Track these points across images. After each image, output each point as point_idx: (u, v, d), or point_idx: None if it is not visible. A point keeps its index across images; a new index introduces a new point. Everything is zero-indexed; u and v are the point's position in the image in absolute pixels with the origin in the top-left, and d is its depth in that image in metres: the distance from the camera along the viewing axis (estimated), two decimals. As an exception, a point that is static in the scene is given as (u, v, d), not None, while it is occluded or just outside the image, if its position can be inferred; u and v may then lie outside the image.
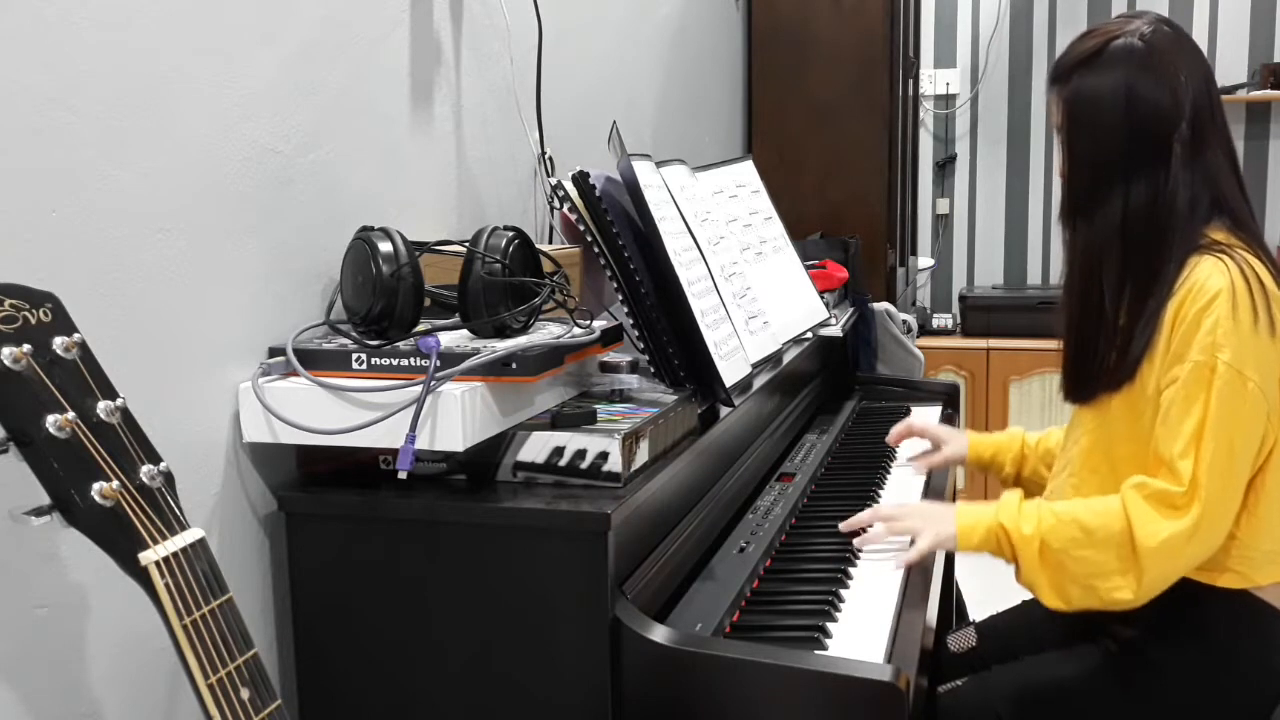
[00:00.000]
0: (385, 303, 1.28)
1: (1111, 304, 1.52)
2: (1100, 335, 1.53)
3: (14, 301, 0.84)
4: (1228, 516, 1.43)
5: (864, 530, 1.57)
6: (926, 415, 2.38)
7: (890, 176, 3.41)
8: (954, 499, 2.40)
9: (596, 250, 1.46)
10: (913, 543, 1.52)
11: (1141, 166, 1.49)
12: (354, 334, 1.32)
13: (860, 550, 1.56)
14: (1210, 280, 1.43)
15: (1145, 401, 1.48)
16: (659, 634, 1.20)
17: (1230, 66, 4.32)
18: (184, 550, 0.89)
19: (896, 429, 2.03)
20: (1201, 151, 1.49)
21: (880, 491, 1.86)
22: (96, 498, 0.85)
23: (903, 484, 1.92)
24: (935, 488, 1.93)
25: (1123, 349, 1.50)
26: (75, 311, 0.88)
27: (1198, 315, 1.42)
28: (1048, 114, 4.50)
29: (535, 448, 1.30)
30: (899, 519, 1.56)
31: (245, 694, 0.90)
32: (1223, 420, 1.39)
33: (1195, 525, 1.39)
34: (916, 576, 1.50)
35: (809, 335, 2.12)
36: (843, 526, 1.59)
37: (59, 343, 0.86)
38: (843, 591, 1.44)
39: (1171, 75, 1.48)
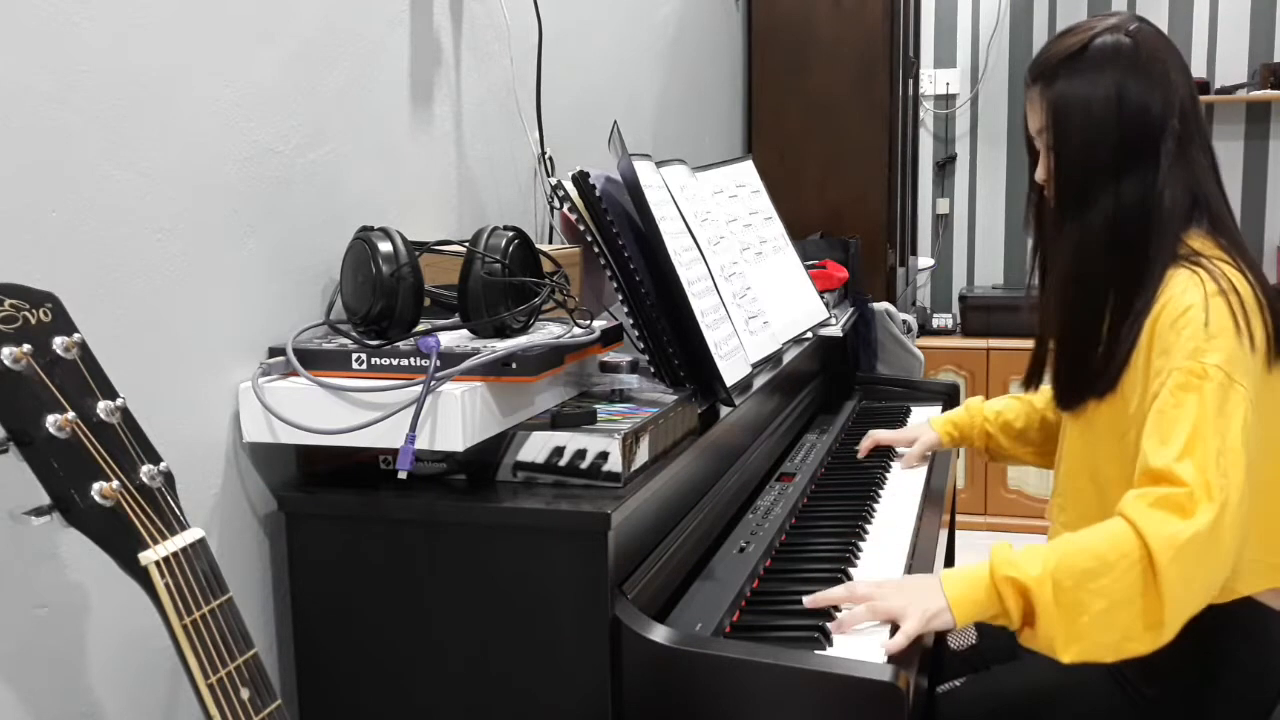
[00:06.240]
0: (385, 303, 1.28)
1: (1101, 309, 1.49)
2: (1090, 342, 1.50)
3: (14, 301, 0.84)
4: (1243, 513, 1.33)
5: (837, 609, 1.34)
6: (926, 415, 2.38)
7: (890, 176, 3.42)
8: (954, 499, 2.40)
9: (596, 250, 1.46)
10: (896, 628, 1.28)
11: (1132, 169, 1.46)
12: (354, 334, 1.32)
13: (840, 624, 1.31)
14: (1185, 294, 1.40)
15: (1128, 421, 1.45)
16: (659, 634, 1.20)
17: (1230, 66, 4.32)
18: (184, 550, 0.89)
19: (863, 444, 2.06)
20: (1187, 150, 1.47)
21: (880, 491, 1.86)
22: (96, 498, 0.85)
23: (903, 483, 1.92)
24: (935, 488, 1.93)
25: (1108, 354, 1.47)
26: (75, 311, 0.88)
27: (1175, 327, 1.38)
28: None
29: (535, 448, 1.30)
30: (878, 599, 1.32)
31: (245, 694, 0.90)
32: (1220, 417, 1.34)
33: (1214, 522, 1.28)
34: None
35: (809, 335, 2.12)
36: (808, 601, 1.35)
37: (59, 343, 0.86)
38: (843, 591, 1.44)
39: (1161, 74, 1.46)
